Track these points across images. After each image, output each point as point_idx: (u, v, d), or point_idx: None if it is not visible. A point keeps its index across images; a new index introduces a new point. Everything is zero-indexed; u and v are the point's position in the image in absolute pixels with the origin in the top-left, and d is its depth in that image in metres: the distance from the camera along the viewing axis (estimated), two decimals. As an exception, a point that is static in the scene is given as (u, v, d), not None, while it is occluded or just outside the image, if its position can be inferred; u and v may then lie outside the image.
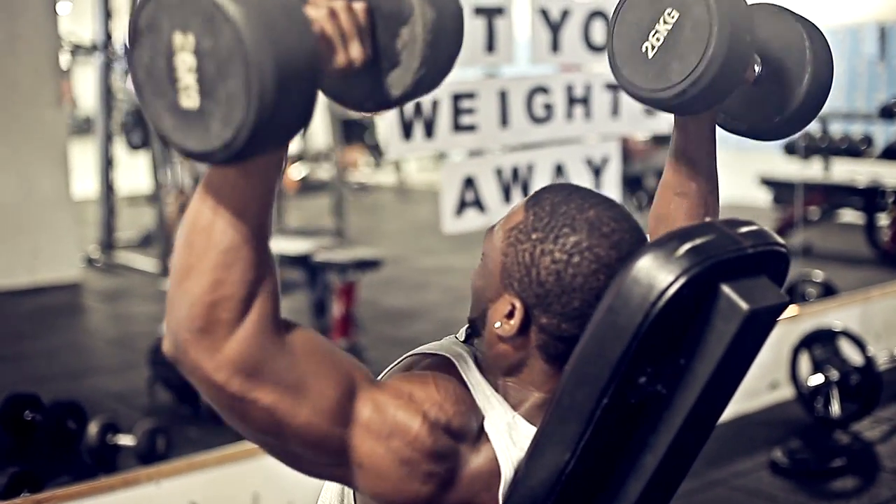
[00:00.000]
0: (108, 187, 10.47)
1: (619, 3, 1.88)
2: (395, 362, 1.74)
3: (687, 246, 1.44)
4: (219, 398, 1.38)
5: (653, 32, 1.79)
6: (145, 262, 9.89)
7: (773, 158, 11.89)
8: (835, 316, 6.28)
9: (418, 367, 1.67)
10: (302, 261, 7.00)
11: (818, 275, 7.46)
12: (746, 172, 11.96)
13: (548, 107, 4.91)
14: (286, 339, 1.41)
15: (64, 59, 17.58)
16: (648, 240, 1.61)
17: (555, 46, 4.90)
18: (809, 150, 10.48)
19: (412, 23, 1.43)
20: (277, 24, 1.23)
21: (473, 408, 1.58)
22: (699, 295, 1.46)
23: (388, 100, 1.49)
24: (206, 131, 1.26)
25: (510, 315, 1.59)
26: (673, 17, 1.77)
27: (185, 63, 1.26)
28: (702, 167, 1.97)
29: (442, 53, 1.47)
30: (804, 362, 5.80)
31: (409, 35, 1.44)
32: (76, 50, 15.12)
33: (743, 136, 2.05)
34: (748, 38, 1.76)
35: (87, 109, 15.17)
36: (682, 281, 1.41)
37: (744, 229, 1.51)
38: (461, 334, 1.77)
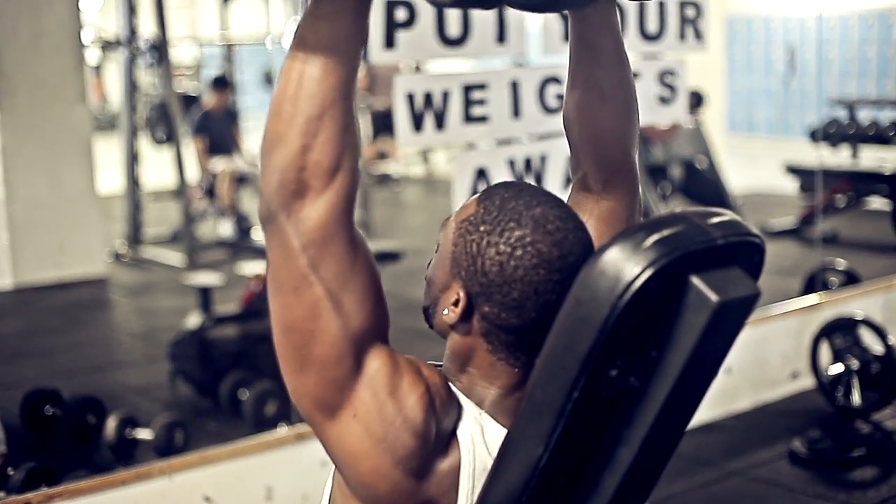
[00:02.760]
0: (133, 182, 10.50)
1: None
2: None
3: (654, 237, 1.42)
4: (285, 268, 1.48)
5: None
6: (171, 257, 9.91)
7: (800, 146, 11.83)
8: (857, 305, 6.24)
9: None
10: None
11: (840, 263, 7.42)
12: (773, 161, 11.90)
13: (561, 97, 4.88)
14: (355, 239, 1.51)
15: (93, 55, 17.71)
16: (593, 240, 1.65)
17: (567, 36, 4.87)
18: (837, 136, 10.41)
19: None
20: None
21: (455, 405, 1.62)
22: (669, 287, 1.44)
23: None
24: None
25: (456, 303, 1.63)
26: None
27: None
28: (607, 54, 1.85)
29: None
30: (825, 351, 5.76)
31: None
32: (106, 46, 15.19)
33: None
34: None
35: (117, 105, 15.24)
36: (648, 273, 1.40)
37: (715, 220, 1.50)
38: None
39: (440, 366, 1.71)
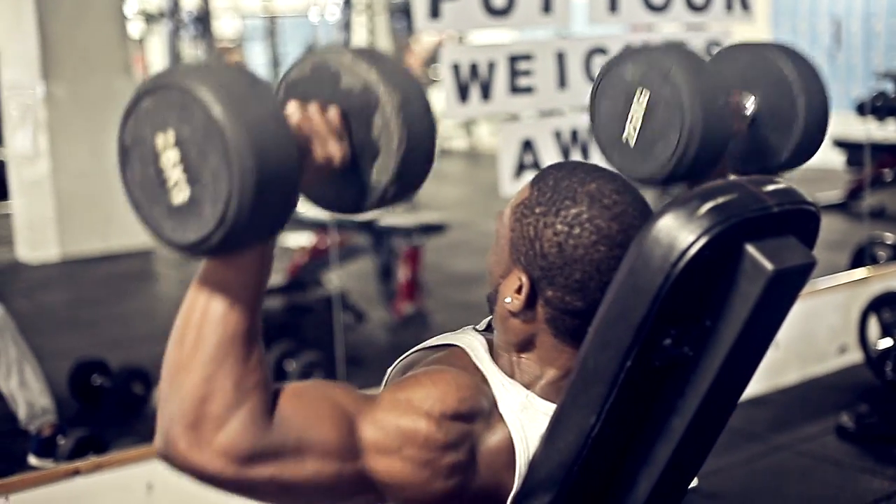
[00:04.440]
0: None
1: (591, 95, 1.93)
2: (398, 360, 1.76)
3: (709, 205, 1.41)
4: (220, 485, 1.41)
5: (629, 119, 1.82)
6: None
7: (847, 120, 11.72)
8: (905, 278, 6.18)
9: (424, 363, 1.67)
10: (367, 226, 7.00)
11: (888, 237, 7.35)
12: (820, 134, 11.79)
13: (607, 67, 4.87)
14: (276, 415, 1.42)
15: (137, 27, 17.79)
16: (652, 211, 1.58)
17: (613, 6, 4.84)
18: (884, 110, 10.30)
19: (381, 108, 1.46)
20: (248, 102, 1.29)
21: (482, 390, 1.58)
22: (723, 255, 1.43)
23: (380, 191, 1.50)
24: (199, 217, 1.31)
25: (518, 290, 1.60)
26: (644, 97, 1.79)
27: (171, 160, 1.32)
28: None
29: (417, 128, 1.49)
30: (873, 326, 5.72)
31: (381, 120, 1.47)
32: (149, 18, 15.25)
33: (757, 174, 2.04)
34: (723, 96, 1.77)
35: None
36: (703, 241, 1.38)
37: (769, 187, 1.48)
38: (482, 324, 1.79)
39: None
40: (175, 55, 10.48)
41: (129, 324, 7.39)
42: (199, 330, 1.38)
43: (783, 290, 1.48)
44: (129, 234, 9.31)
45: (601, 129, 1.90)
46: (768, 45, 1.98)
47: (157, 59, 18.21)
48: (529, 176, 4.63)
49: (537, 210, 1.59)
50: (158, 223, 1.35)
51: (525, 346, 1.63)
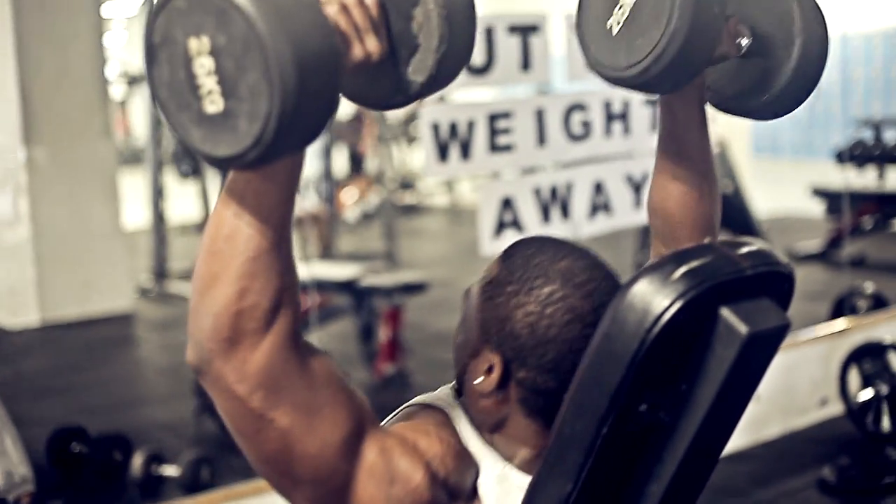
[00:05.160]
0: (158, 217, 10.53)
1: None
2: (394, 413, 1.71)
3: (683, 269, 1.40)
4: (237, 414, 1.38)
5: (618, 7, 1.72)
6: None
7: (826, 168, 11.78)
8: (886, 329, 6.19)
9: (417, 419, 1.63)
10: (348, 286, 6.99)
11: (868, 287, 7.36)
12: (799, 183, 11.86)
13: (586, 124, 4.88)
14: (307, 360, 1.40)
15: (119, 89, 17.82)
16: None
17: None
18: (863, 158, 10.36)
19: (423, 2, 1.41)
20: (290, 10, 1.23)
21: (470, 464, 1.57)
22: (698, 319, 1.42)
23: (416, 88, 1.46)
24: (234, 132, 1.26)
25: (489, 371, 1.57)
26: None
27: (204, 67, 1.26)
28: (692, 149, 1.88)
29: (459, 27, 1.44)
30: (854, 377, 5.71)
31: (422, 15, 1.41)
32: (131, 80, 15.27)
33: (731, 113, 1.96)
34: (716, 8, 1.66)
35: (142, 139, 15.35)
36: (678, 305, 1.37)
37: (744, 250, 1.47)
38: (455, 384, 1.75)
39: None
40: (156, 117, 10.48)
41: (109, 390, 7.35)
42: (231, 242, 1.34)
43: (758, 352, 1.47)
44: (110, 298, 9.30)
45: (587, 17, 1.78)
46: None
47: (138, 120, 18.29)
48: (510, 234, 4.66)
49: (508, 289, 1.57)
50: (186, 129, 1.30)
51: (498, 426, 1.60)
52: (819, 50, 1.84)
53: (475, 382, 1.59)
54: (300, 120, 1.25)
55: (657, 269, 1.41)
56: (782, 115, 1.91)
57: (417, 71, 1.44)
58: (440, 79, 1.47)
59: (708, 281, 1.40)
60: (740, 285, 1.44)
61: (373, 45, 1.39)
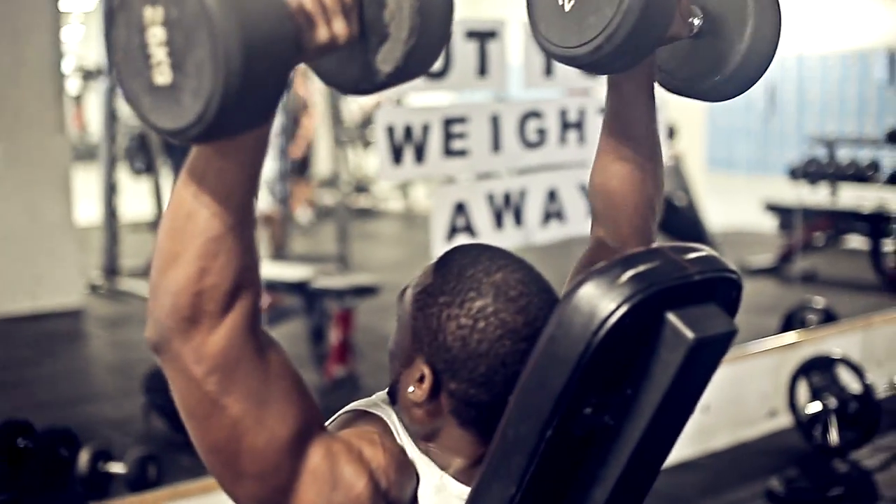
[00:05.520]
0: (111, 213, 10.46)
1: None
2: (332, 418, 1.67)
3: (630, 273, 1.40)
4: (191, 396, 1.37)
5: None
6: (147, 289, 9.86)
7: (780, 184, 11.86)
8: (835, 343, 6.23)
9: (359, 426, 1.60)
10: (300, 287, 6.97)
11: (819, 301, 7.41)
12: (752, 198, 11.92)
13: (541, 131, 4.88)
14: (264, 349, 1.39)
15: (74, 84, 17.68)
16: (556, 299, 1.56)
17: (548, 70, 4.87)
18: (816, 175, 10.45)
19: None
20: None
21: (411, 474, 1.56)
22: (644, 323, 1.42)
23: (382, 78, 1.43)
24: (178, 106, 1.25)
25: (421, 380, 1.55)
26: None
27: (156, 37, 1.25)
28: (638, 130, 1.86)
29: (433, 21, 1.41)
30: (803, 390, 5.75)
31: (395, 4, 1.38)
32: (87, 75, 15.13)
33: (682, 95, 1.93)
34: None
35: (97, 134, 15.27)
36: (624, 309, 1.37)
37: (691, 255, 1.47)
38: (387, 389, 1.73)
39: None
40: (111, 113, 10.41)
41: (58, 385, 7.28)
42: (191, 222, 1.32)
43: (704, 358, 1.47)
44: (60, 293, 9.22)
45: None
46: None
47: (93, 116, 18.15)
48: (462, 239, 4.66)
49: (441, 300, 1.55)
50: (137, 97, 1.29)
51: (431, 435, 1.59)
52: (772, 30, 1.81)
53: (408, 391, 1.57)
54: (245, 101, 1.23)
55: (604, 272, 1.41)
56: (733, 97, 1.89)
57: (385, 60, 1.41)
58: (408, 71, 1.44)
59: (655, 285, 1.40)
60: (687, 290, 1.44)
61: (340, 28, 1.36)
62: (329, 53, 1.39)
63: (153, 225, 10.40)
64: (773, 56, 1.82)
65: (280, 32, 1.24)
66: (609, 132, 1.88)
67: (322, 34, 1.35)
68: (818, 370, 5.72)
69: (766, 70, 1.84)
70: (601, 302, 1.38)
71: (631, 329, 1.40)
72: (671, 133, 10.55)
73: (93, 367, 8.01)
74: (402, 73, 1.44)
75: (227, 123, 1.25)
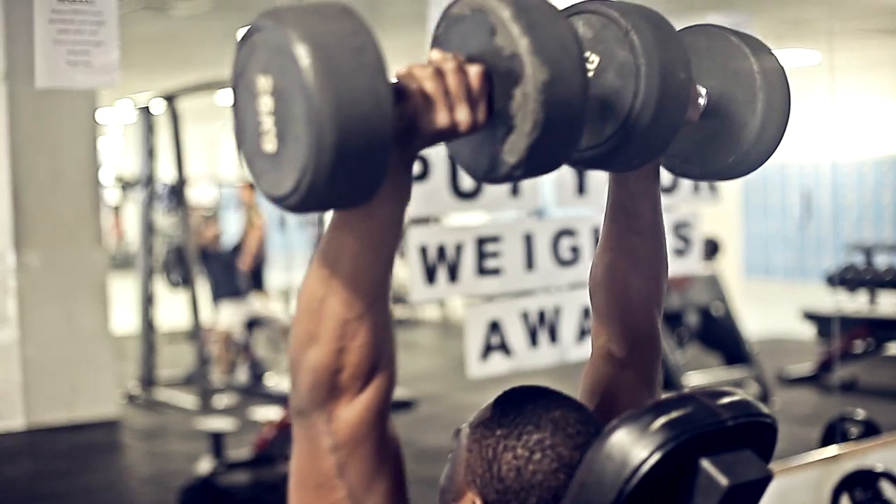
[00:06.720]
0: (148, 324, 10.51)
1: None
2: None
3: (662, 419, 1.39)
4: (310, 465, 1.43)
5: None
6: (185, 400, 9.87)
7: (817, 290, 11.81)
8: (877, 457, 6.14)
9: None
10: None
11: (859, 413, 7.33)
12: (790, 305, 11.86)
13: (574, 249, 4.89)
14: (388, 437, 1.46)
15: (113, 194, 17.88)
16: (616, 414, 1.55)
17: (581, 189, 4.89)
18: (854, 282, 10.39)
19: (524, 81, 1.36)
20: (345, 67, 1.23)
21: None
22: (678, 469, 1.41)
23: (507, 169, 1.42)
24: (280, 174, 1.29)
25: None
26: (593, 63, 1.61)
27: (266, 106, 1.29)
28: (643, 224, 1.79)
29: (558, 114, 1.37)
30: (845, 505, 5.67)
31: (521, 96, 1.36)
32: (126, 186, 15.30)
33: (695, 179, 1.87)
34: (682, 74, 1.57)
35: (135, 244, 15.43)
36: (656, 457, 1.36)
37: (724, 400, 1.46)
38: None
39: None
40: (148, 225, 10.51)
41: (93, 497, 7.26)
42: (325, 304, 1.37)
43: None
44: (96, 403, 9.24)
45: None
46: (741, 35, 1.76)
47: (132, 224, 18.33)
48: (497, 358, 4.66)
49: (498, 432, 1.55)
50: (251, 161, 1.34)
51: None
52: (782, 101, 1.74)
53: None
54: (339, 176, 1.25)
55: (636, 418, 1.40)
56: (746, 174, 1.82)
57: (511, 151, 1.40)
58: (533, 164, 1.42)
59: (687, 432, 1.39)
60: (721, 436, 1.43)
61: (463, 115, 1.35)
62: (451, 139, 1.39)
63: (190, 335, 10.43)
64: (785, 128, 1.76)
65: (377, 114, 1.25)
66: (612, 226, 1.81)
67: (442, 119, 1.35)
68: (861, 484, 5.64)
69: (780, 142, 1.77)
70: (633, 449, 1.37)
71: (664, 476, 1.39)
72: (716, 248, 10.54)
73: (129, 479, 7.98)
74: (527, 167, 1.42)
75: (323, 196, 1.28)
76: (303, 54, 1.22)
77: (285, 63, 1.24)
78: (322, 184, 1.24)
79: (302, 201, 1.28)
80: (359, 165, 1.26)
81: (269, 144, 1.30)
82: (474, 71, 1.36)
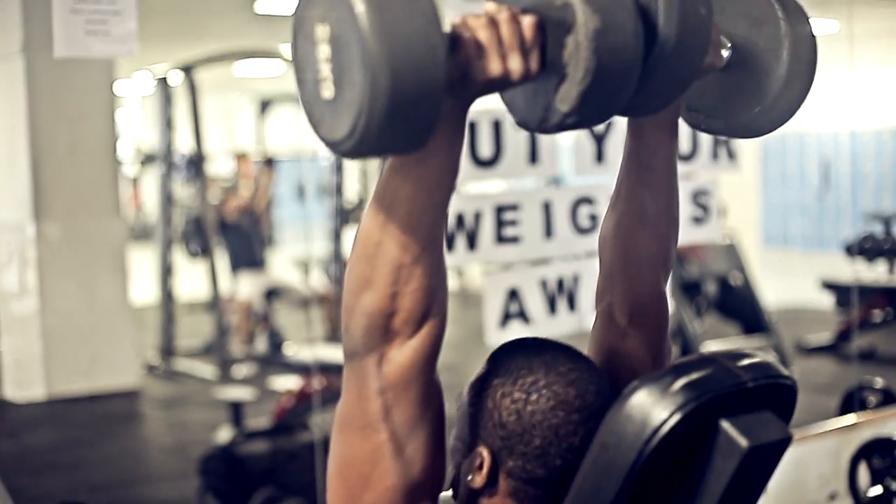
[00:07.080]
0: (167, 294, 10.53)
1: None
2: None
3: (682, 380, 1.40)
4: (356, 407, 1.47)
5: None
6: (204, 370, 9.90)
7: (836, 260, 11.78)
8: (895, 425, 6.14)
9: None
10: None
11: (878, 382, 7.32)
12: (808, 275, 11.84)
13: (593, 217, 4.88)
14: (433, 385, 1.49)
15: (132, 167, 17.88)
16: (607, 379, 1.60)
17: (599, 157, 4.88)
18: (872, 251, 10.35)
19: (576, 30, 1.37)
20: (399, 13, 1.25)
21: None
22: (698, 430, 1.41)
23: (560, 118, 1.42)
24: (337, 119, 1.32)
25: (480, 466, 1.58)
26: None
27: (324, 54, 1.32)
28: (655, 176, 1.75)
29: (610, 62, 1.38)
30: (863, 473, 5.66)
31: (573, 44, 1.37)
32: (144, 159, 15.30)
33: (720, 134, 1.81)
34: (703, 10, 1.52)
35: (153, 215, 15.43)
36: (676, 417, 1.37)
37: (745, 362, 1.47)
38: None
39: None
40: (167, 196, 10.52)
41: (114, 466, 7.30)
42: (381, 248, 1.41)
43: (758, 465, 1.46)
44: (116, 374, 9.27)
45: None
46: None
47: (150, 196, 18.34)
48: (516, 325, 4.65)
49: (495, 381, 1.59)
50: (311, 108, 1.38)
51: None
52: (809, 52, 1.68)
53: (468, 479, 1.59)
54: (394, 121, 1.27)
55: (656, 380, 1.41)
56: (771, 130, 1.75)
57: (563, 100, 1.40)
58: (585, 113, 1.42)
59: (708, 393, 1.40)
60: (741, 398, 1.44)
61: (515, 64, 1.36)
62: (505, 88, 1.40)
63: (209, 305, 10.46)
64: (812, 78, 1.69)
65: (430, 59, 1.27)
66: (625, 178, 1.78)
67: (494, 68, 1.36)
68: (879, 453, 5.62)
69: (808, 93, 1.70)
70: (654, 410, 1.38)
71: (684, 437, 1.39)
72: (722, 212, 10.48)
73: (148, 449, 8.03)
74: (580, 115, 1.42)
75: (377, 141, 1.30)
76: (358, 1, 1.25)
77: (341, 11, 1.27)
78: (376, 128, 1.27)
79: (356, 146, 1.30)
80: (412, 111, 1.27)
81: (328, 91, 1.33)
82: (528, 21, 1.38)
